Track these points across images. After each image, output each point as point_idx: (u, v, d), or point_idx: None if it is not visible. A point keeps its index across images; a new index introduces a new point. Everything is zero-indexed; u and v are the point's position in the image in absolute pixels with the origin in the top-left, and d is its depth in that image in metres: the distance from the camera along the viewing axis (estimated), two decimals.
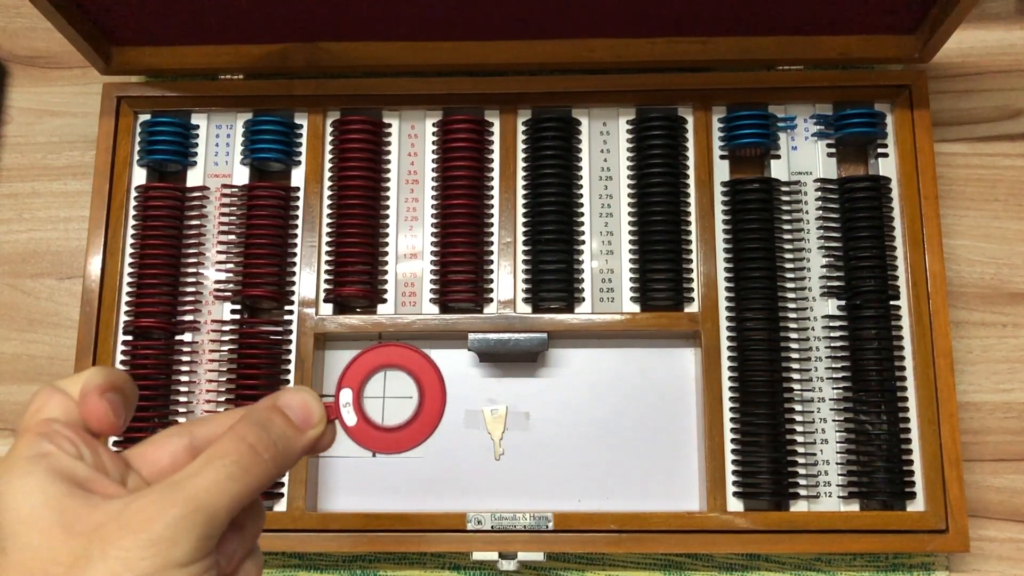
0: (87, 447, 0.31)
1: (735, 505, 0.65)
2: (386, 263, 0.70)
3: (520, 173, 0.71)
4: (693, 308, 0.68)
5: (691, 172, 0.70)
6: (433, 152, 0.72)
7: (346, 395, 0.37)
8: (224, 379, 0.68)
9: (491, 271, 0.70)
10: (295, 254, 0.70)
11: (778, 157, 0.71)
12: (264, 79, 0.73)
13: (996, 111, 0.76)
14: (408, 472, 0.68)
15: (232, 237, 0.71)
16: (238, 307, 0.70)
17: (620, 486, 0.68)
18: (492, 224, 0.70)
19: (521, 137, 0.72)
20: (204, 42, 0.71)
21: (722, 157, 0.71)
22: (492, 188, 0.71)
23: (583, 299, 0.69)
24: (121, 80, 0.73)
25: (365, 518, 0.65)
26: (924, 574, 0.67)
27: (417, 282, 0.71)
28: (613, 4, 0.66)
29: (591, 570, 0.68)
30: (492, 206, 0.71)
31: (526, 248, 0.70)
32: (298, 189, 0.71)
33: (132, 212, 0.71)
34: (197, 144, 0.73)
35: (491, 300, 0.69)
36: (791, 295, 0.68)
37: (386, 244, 0.71)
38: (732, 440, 0.66)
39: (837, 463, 0.66)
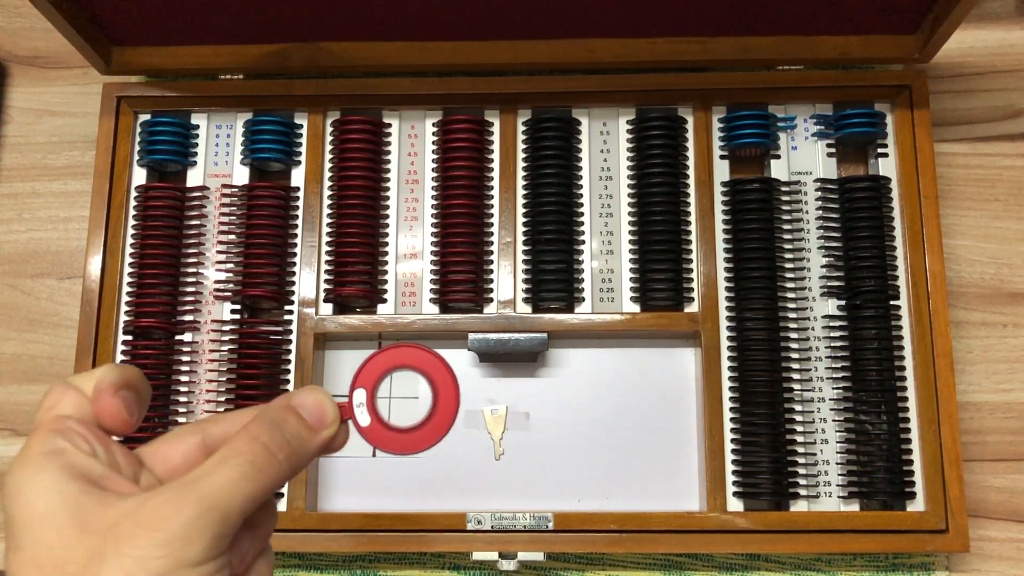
0: (100, 444, 0.31)
1: (735, 505, 0.65)
2: (386, 263, 0.70)
3: (520, 173, 0.71)
4: (693, 308, 0.68)
5: (691, 172, 0.70)
6: (433, 152, 0.72)
7: (359, 395, 0.37)
8: (224, 379, 0.68)
9: (491, 271, 0.70)
10: (295, 254, 0.70)
11: (778, 157, 0.71)
12: (264, 79, 0.73)
13: (996, 111, 0.76)
14: (408, 472, 0.68)
15: (232, 237, 0.71)
16: (238, 307, 0.70)
17: (620, 486, 0.68)
18: (492, 224, 0.70)
19: (521, 137, 0.72)
20: (204, 42, 0.71)
21: (722, 157, 0.71)
22: (492, 188, 0.71)
23: (583, 299, 0.69)
24: (121, 80, 0.73)
25: (365, 518, 0.65)
26: (924, 574, 0.67)
27: (417, 282, 0.71)
28: (613, 4, 0.66)
29: (591, 570, 0.68)
30: (492, 206, 0.71)
31: (526, 248, 0.70)
32: (298, 189, 0.71)
33: (132, 212, 0.71)
34: (197, 144, 0.73)
35: (491, 300, 0.69)
36: (791, 295, 0.68)
37: (386, 244, 0.71)
38: (732, 440, 0.66)
39: (837, 463, 0.66)
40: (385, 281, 0.70)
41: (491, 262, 0.70)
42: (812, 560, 0.67)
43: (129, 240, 0.71)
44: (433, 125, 0.73)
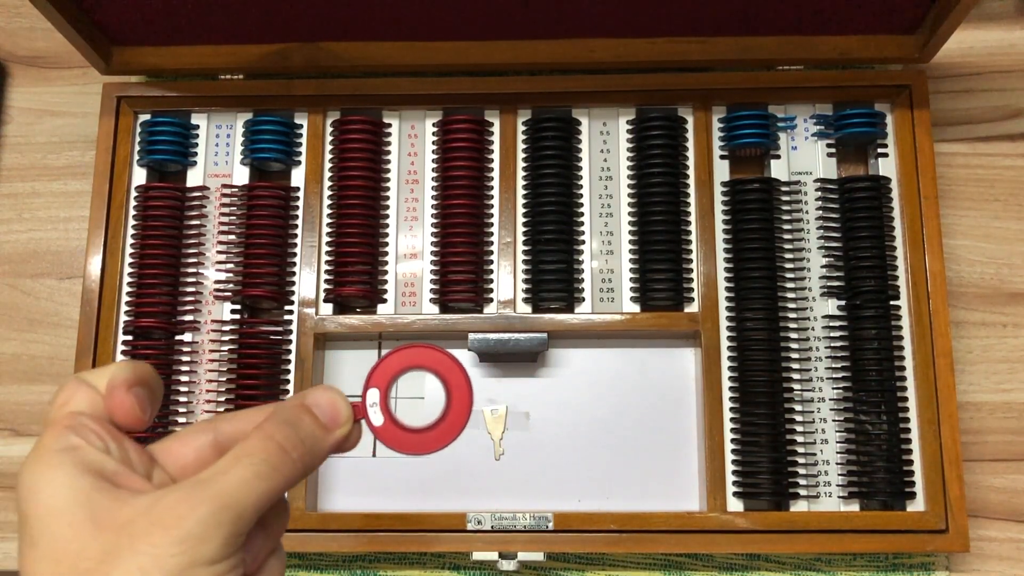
0: (114, 441, 0.31)
1: (735, 505, 0.65)
2: (386, 263, 0.70)
3: (520, 173, 0.71)
4: (693, 308, 0.68)
5: (691, 172, 0.70)
6: (433, 152, 0.72)
7: (373, 395, 0.37)
8: (224, 379, 0.68)
9: (491, 271, 0.70)
10: (295, 254, 0.70)
11: (778, 157, 0.71)
12: (264, 79, 0.73)
13: (996, 111, 0.76)
14: (408, 472, 0.68)
15: (232, 237, 0.71)
16: (238, 307, 0.70)
17: (620, 486, 0.68)
18: (492, 224, 0.70)
19: (521, 137, 0.72)
20: (204, 42, 0.71)
21: (722, 157, 0.71)
22: (492, 188, 0.71)
23: (583, 299, 0.69)
24: (121, 80, 0.73)
25: (365, 518, 0.65)
26: (924, 574, 0.67)
27: (417, 282, 0.71)
28: (613, 4, 0.66)
29: (591, 570, 0.68)
30: (492, 206, 0.71)
31: (526, 248, 0.70)
32: (298, 189, 0.71)
33: (132, 212, 0.71)
34: (197, 144, 0.73)
35: (491, 300, 0.69)
36: (791, 295, 0.68)
37: (386, 244, 0.71)
38: (732, 440, 0.66)
39: (837, 463, 0.66)
40: (385, 281, 0.70)
41: (491, 262, 0.70)
42: (812, 560, 0.67)
43: (129, 240, 0.71)
44: (433, 125, 0.73)
